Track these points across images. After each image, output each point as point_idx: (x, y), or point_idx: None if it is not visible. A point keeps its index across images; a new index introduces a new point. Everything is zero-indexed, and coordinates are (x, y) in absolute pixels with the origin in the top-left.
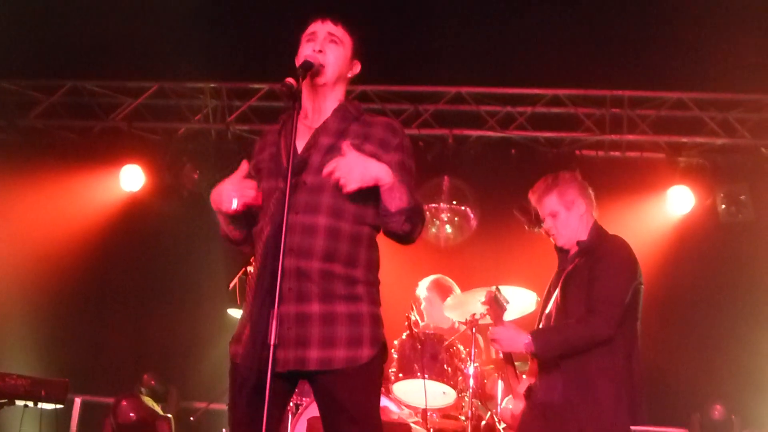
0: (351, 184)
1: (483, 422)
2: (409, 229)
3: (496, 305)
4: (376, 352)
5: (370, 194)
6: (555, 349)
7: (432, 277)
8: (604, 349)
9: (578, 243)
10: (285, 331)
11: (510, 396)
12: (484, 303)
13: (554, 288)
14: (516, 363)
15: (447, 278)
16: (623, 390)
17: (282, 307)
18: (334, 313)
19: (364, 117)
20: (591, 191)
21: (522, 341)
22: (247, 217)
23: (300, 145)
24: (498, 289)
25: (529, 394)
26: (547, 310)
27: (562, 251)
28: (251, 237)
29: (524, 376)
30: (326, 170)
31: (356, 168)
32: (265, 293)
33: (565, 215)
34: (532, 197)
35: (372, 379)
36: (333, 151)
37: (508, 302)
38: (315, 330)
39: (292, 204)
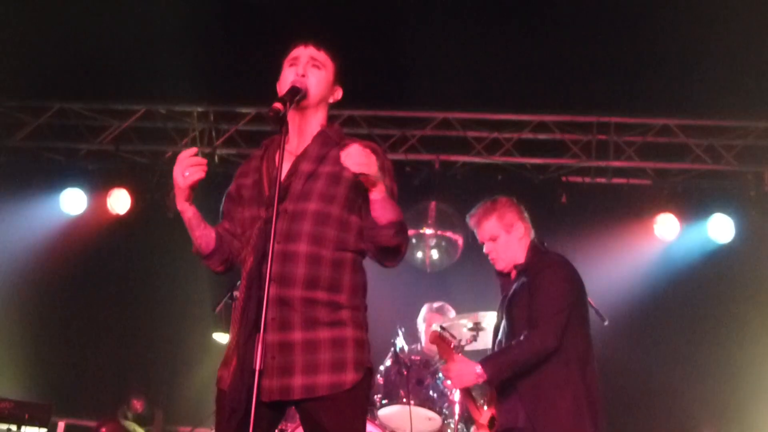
0: (355, 168)
1: None
2: (397, 243)
3: (442, 343)
4: (361, 377)
5: (350, 220)
6: (505, 371)
7: (428, 306)
8: (558, 365)
9: (515, 267)
10: (269, 360)
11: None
12: (431, 342)
13: (501, 313)
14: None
15: (443, 306)
16: (583, 403)
17: (265, 336)
18: (316, 339)
19: (345, 141)
20: (527, 215)
21: (473, 372)
22: (207, 227)
23: (282, 172)
24: (442, 327)
25: (492, 423)
26: (499, 337)
27: (502, 275)
28: (223, 253)
29: (485, 407)
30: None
31: (366, 156)
32: (251, 323)
33: (505, 238)
34: (471, 220)
35: (357, 404)
36: (313, 178)
37: (455, 338)
38: (298, 358)
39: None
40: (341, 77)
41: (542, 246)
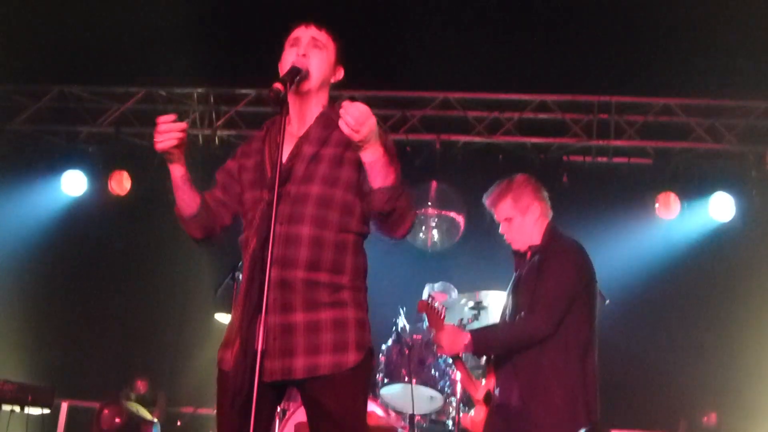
0: (353, 124)
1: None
2: (391, 208)
3: (431, 311)
4: (362, 357)
5: (353, 203)
6: (492, 347)
7: (429, 286)
8: (557, 350)
9: (530, 247)
10: (271, 342)
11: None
12: (419, 311)
13: (509, 292)
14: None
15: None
16: (577, 390)
17: (267, 318)
18: (318, 320)
19: None
20: (545, 193)
21: (462, 342)
22: (194, 190)
23: (284, 153)
24: (431, 297)
25: (488, 399)
26: (504, 315)
27: (518, 254)
28: (203, 220)
29: (483, 382)
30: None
31: (367, 116)
32: (254, 305)
33: (520, 220)
34: (487, 201)
35: (358, 384)
36: (316, 160)
37: (444, 308)
38: (300, 339)
39: (276, 215)
40: (342, 58)
41: (558, 229)
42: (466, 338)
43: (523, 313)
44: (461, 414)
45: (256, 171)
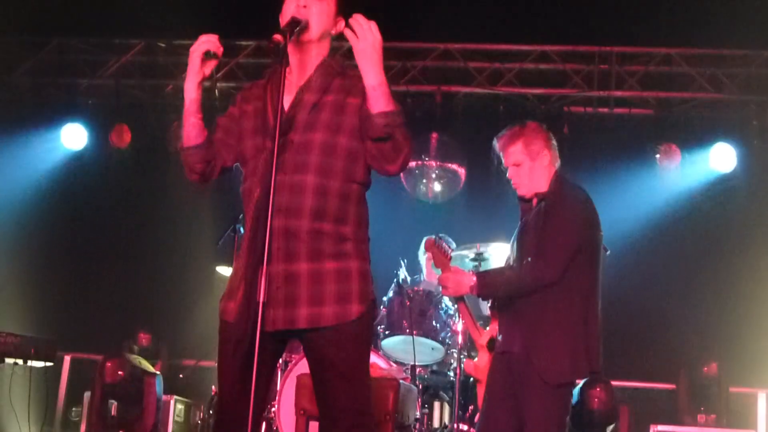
0: (358, 32)
1: (471, 378)
2: (387, 133)
3: (438, 251)
4: (366, 309)
5: (357, 149)
6: (497, 289)
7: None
8: (559, 297)
9: (537, 194)
10: (273, 291)
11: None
12: (426, 249)
13: (515, 238)
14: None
15: (443, 238)
16: (579, 337)
17: (271, 267)
18: (322, 270)
19: (348, 71)
20: (554, 142)
21: (468, 283)
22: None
23: (285, 102)
24: (439, 236)
25: (491, 345)
26: (510, 261)
27: (524, 201)
28: (207, 154)
29: (486, 328)
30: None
31: (373, 34)
32: (259, 254)
33: (529, 165)
34: (498, 144)
35: (361, 335)
36: (318, 108)
37: (451, 249)
38: (303, 288)
39: (279, 164)
40: (343, 9)
41: (565, 177)
42: (472, 280)
43: (529, 258)
44: (464, 360)
45: (257, 118)
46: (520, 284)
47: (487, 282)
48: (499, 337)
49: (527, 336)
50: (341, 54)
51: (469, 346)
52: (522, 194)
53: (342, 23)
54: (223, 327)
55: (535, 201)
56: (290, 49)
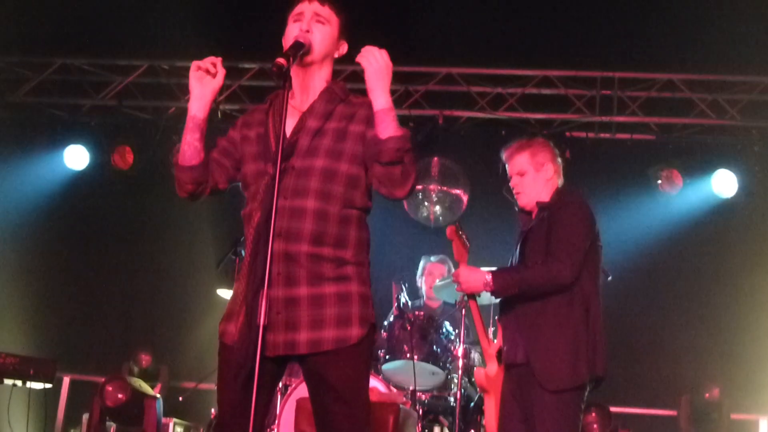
0: (369, 57)
1: (472, 403)
2: (398, 157)
3: (458, 241)
4: (365, 332)
5: (357, 176)
6: (513, 287)
7: (425, 258)
8: (561, 304)
9: (538, 203)
10: (274, 316)
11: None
12: (448, 237)
13: (515, 248)
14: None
15: (442, 258)
16: (580, 341)
17: (271, 291)
18: (322, 294)
19: (351, 98)
20: (560, 160)
21: (483, 280)
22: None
23: (288, 128)
24: (460, 226)
25: (500, 356)
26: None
27: (524, 213)
28: (201, 175)
29: (494, 340)
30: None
31: (384, 59)
32: (259, 278)
33: (533, 176)
34: (504, 153)
35: (361, 359)
36: (320, 134)
37: (469, 243)
38: (303, 313)
39: (280, 189)
40: (347, 32)
41: (567, 188)
42: (486, 277)
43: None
44: (476, 369)
45: (259, 143)
46: (537, 283)
47: (502, 280)
48: (505, 348)
49: (530, 345)
50: (343, 78)
51: (470, 372)
52: (523, 204)
53: (345, 47)
54: (222, 349)
55: (535, 213)
56: (293, 72)
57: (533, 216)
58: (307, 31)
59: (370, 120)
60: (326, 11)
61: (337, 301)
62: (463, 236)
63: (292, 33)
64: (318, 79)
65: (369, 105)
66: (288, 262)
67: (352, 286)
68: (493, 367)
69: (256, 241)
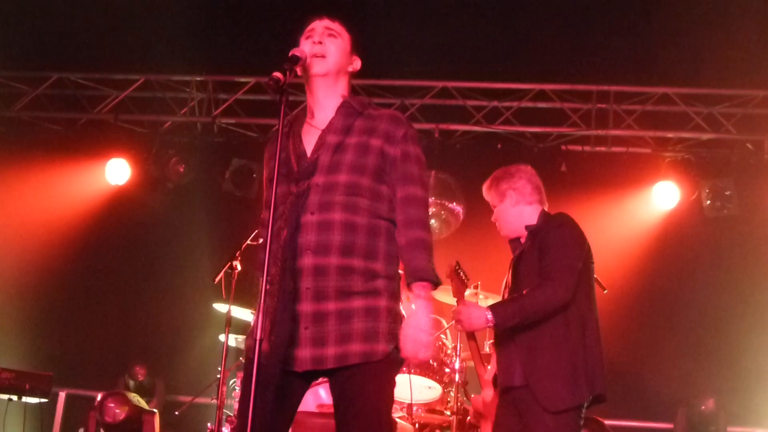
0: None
1: (468, 417)
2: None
3: (457, 279)
4: (392, 349)
5: (381, 190)
6: (514, 317)
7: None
8: (557, 325)
9: (527, 227)
10: (302, 331)
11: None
12: (446, 277)
13: (508, 272)
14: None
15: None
16: (578, 361)
17: (299, 306)
18: (350, 308)
19: (369, 111)
20: (530, 181)
21: (483, 317)
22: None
23: (308, 147)
24: (458, 264)
25: (495, 381)
26: (504, 295)
27: (513, 241)
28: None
29: (489, 367)
30: None
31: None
32: (287, 294)
33: (500, 207)
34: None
35: (386, 375)
36: (341, 149)
37: (468, 279)
38: (331, 328)
39: (305, 206)
40: (358, 48)
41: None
42: (486, 314)
43: (534, 282)
44: (473, 396)
45: (283, 166)
46: (535, 309)
47: (501, 312)
48: (499, 372)
49: (527, 368)
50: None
51: (466, 386)
52: (504, 234)
53: (358, 62)
54: (248, 364)
55: (524, 237)
56: (309, 87)
57: (522, 241)
58: (320, 43)
59: (388, 135)
60: (337, 26)
61: (365, 315)
62: (462, 274)
63: (305, 47)
64: (334, 95)
65: (387, 118)
66: (317, 276)
67: (381, 300)
68: (489, 393)
69: (284, 258)
